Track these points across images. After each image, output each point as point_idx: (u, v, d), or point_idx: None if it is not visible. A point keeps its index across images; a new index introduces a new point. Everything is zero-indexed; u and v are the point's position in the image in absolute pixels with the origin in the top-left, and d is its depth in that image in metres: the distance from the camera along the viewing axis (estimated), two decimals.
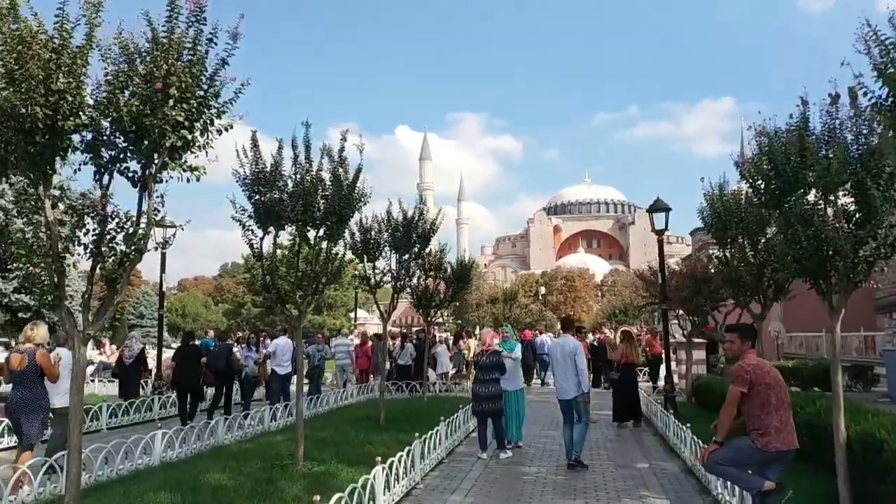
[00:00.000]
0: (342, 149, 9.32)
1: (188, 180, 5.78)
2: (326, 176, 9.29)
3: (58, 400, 8.52)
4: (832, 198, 6.65)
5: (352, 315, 42.87)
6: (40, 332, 8.37)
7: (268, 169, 9.06)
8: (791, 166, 6.86)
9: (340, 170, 9.24)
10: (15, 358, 8.11)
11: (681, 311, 15.80)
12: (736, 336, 5.56)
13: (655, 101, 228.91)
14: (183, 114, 5.10)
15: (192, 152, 5.59)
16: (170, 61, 4.92)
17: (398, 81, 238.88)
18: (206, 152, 5.77)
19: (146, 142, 5.17)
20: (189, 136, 5.20)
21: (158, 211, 5.62)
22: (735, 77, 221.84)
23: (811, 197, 7.01)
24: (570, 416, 9.34)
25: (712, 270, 12.37)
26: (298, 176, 9.20)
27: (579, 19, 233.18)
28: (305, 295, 9.31)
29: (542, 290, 55.87)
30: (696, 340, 16.75)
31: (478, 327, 36.56)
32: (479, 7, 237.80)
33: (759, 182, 7.58)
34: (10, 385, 8.37)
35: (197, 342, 16.42)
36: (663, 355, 19.05)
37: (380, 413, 13.07)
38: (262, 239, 9.38)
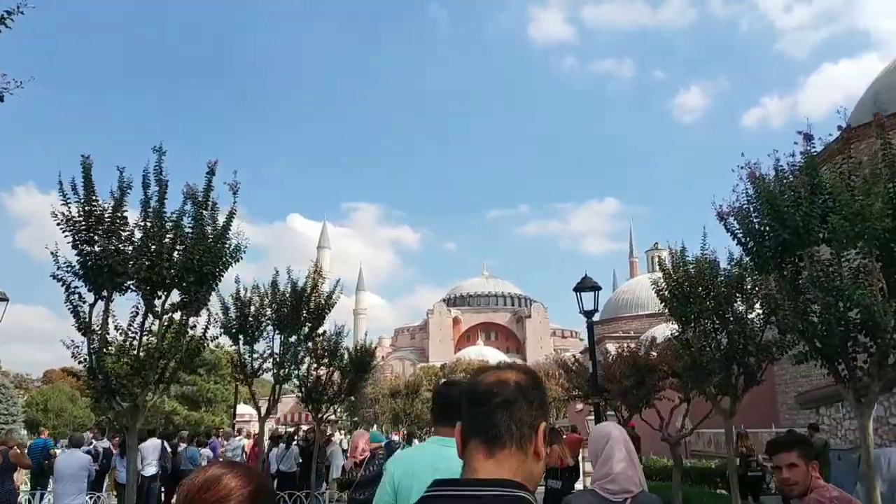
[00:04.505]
0: (209, 185, 7.04)
1: None
2: (186, 221, 6.98)
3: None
4: (858, 254, 5.10)
5: (235, 411, 38.53)
6: (13, 436, 10.00)
7: (106, 209, 6.69)
8: (801, 214, 5.31)
9: (205, 213, 6.94)
10: None
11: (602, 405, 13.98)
12: (796, 455, 3.43)
13: (544, 200, 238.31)
14: None
15: None
16: None
17: (287, 169, 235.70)
18: None
19: None
20: None
21: None
22: (616, 180, 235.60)
23: (824, 254, 5.46)
24: None
25: (653, 357, 10.74)
26: (148, 222, 6.86)
27: (465, 119, 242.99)
28: (145, 383, 6.72)
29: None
30: None
31: (375, 425, 33.47)
32: (368, 97, 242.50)
33: (748, 240, 6.00)
34: None
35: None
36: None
37: None
38: (92, 305, 6.84)
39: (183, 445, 16.57)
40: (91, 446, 16.69)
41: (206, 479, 1.46)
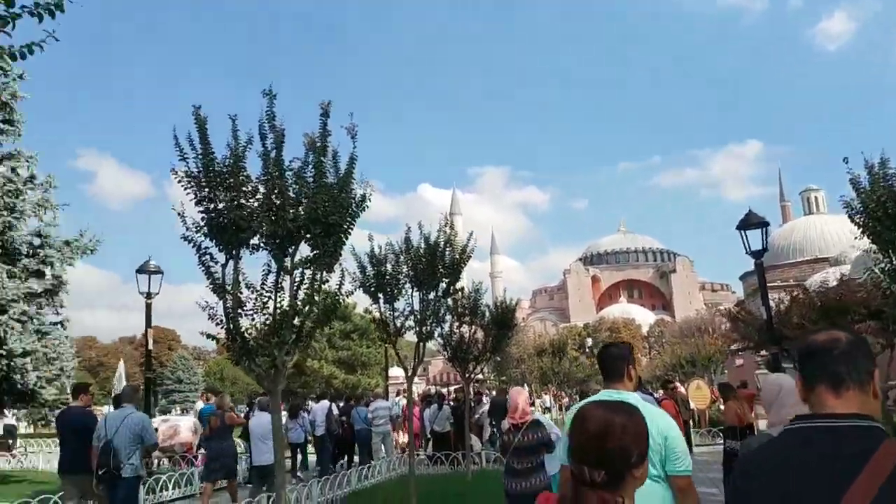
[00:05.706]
0: (325, 130, 6.54)
1: None
2: (308, 172, 6.56)
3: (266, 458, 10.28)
4: None
5: (390, 373, 39.47)
6: (226, 400, 11.87)
7: (227, 160, 6.41)
8: None
9: (324, 160, 6.48)
10: (213, 419, 10.90)
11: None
12: None
13: (678, 148, 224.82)
14: None
15: None
16: None
17: (415, 140, 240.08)
18: None
19: None
20: None
21: None
22: (757, 120, 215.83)
23: None
24: None
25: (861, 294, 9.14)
26: (270, 174, 6.50)
27: (587, 68, 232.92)
28: (282, 342, 6.43)
29: (589, 341, 51.93)
30: None
31: (524, 384, 33.01)
32: (487, 61, 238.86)
33: None
34: (209, 439, 11.24)
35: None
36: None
37: (411, 499, 10.00)
38: (224, 265, 6.63)
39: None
40: None
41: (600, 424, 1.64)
